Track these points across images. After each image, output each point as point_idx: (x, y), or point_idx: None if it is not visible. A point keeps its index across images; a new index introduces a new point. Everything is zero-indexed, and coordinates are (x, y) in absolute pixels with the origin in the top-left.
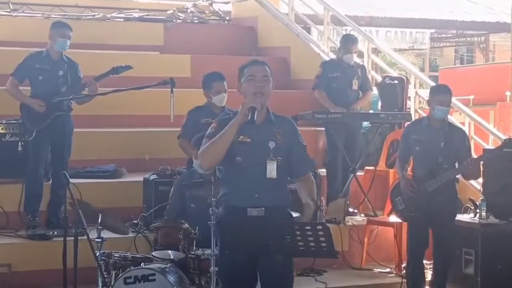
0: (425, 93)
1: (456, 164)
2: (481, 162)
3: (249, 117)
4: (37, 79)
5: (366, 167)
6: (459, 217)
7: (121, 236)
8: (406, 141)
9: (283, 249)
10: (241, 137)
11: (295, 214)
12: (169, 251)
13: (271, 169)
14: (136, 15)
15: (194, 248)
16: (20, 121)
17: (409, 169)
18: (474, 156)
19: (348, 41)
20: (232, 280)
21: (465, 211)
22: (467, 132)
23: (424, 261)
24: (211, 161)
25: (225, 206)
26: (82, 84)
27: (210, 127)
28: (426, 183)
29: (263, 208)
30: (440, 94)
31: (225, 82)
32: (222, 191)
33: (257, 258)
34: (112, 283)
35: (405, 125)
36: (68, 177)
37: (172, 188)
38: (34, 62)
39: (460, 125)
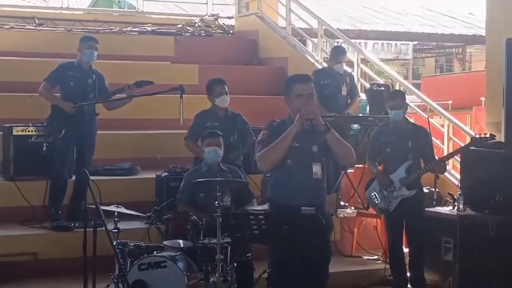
0: (408, 99)
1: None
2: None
3: (309, 125)
4: (68, 84)
5: (356, 165)
6: (439, 209)
7: (135, 227)
8: (375, 143)
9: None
10: (291, 142)
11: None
12: (179, 241)
13: (316, 171)
14: (149, 29)
15: (201, 237)
16: (45, 124)
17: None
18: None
19: (338, 52)
20: (286, 273)
21: (445, 204)
22: (445, 133)
23: (406, 250)
24: (270, 164)
25: (278, 204)
26: (117, 89)
27: (261, 134)
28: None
29: (314, 207)
30: (390, 100)
31: (225, 86)
32: (273, 190)
33: (305, 253)
34: (128, 270)
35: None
36: (88, 174)
37: (182, 182)
38: (66, 69)
39: (439, 127)
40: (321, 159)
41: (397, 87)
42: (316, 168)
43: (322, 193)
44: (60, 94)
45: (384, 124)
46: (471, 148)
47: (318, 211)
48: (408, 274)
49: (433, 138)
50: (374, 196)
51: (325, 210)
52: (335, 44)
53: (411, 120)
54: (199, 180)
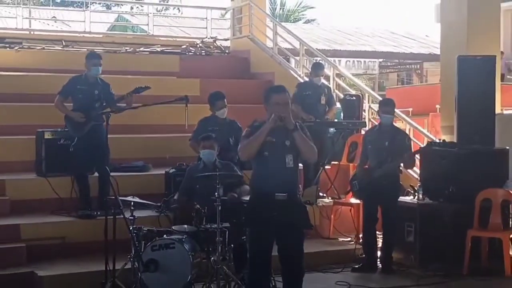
0: (375, 107)
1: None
2: (416, 156)
3: (281, 122)
4: (78, 96)
5: (332, 162)
6: (402, 198)
7: (148, 214)
8: (364, 145)
9: (299, 222)
10: (268, 138)
11: None
12: (185, 226)
13: (289, 161)
14: (158, 49)
15: (204, 223)
16: (66, 130)
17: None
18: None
19: (317, 68)
20: (259, 252)
21: (407, 194)
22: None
23: (378, 233)
24: (248, 154)
25: (257, 193)
26: (119, 98)
27: (245, 131)
28: (373, 171)
29: (286, 194)
30: (385, 106)
31: (225, 100)
32: (253, 180)
33: (279, 232)
34: (142, 250)
35: (361, 130)
36: (109, 171)
37: (185, 175)
38: (75, 83)
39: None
40: (292, 152)
41: (366, 97)
42: (289, 158)
43: (294, 182)
44: (72, 104)
45: (372, 127)
46: (428, 147)
47: (290, 198)
48: (379, 253)
49: None
50: (354, 184)
51: (297, 198)
52: (314, 61)
53: (395, 124)
54: (198, 175)
